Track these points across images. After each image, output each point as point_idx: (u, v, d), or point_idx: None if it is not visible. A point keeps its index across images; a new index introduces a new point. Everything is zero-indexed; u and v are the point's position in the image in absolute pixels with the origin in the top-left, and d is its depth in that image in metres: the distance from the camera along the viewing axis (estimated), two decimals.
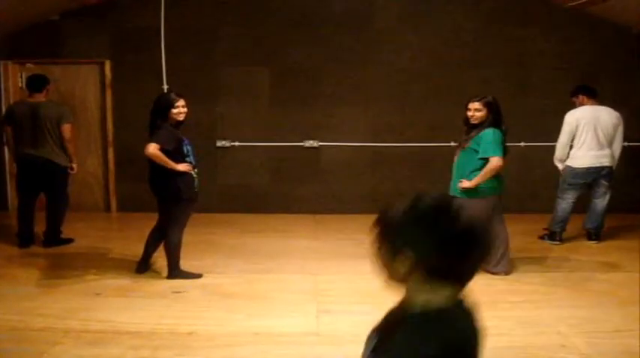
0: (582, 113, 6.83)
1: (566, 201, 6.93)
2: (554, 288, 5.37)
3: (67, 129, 6.57)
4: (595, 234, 6.99)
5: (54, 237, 6.70)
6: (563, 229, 7.01)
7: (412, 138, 8.25)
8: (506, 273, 5.72)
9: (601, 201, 6.93)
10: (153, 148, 5.24)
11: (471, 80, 7.89)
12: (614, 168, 6.93)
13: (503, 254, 5.72)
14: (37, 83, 6.62)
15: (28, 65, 8.43)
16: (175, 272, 5.59)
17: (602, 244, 6.92)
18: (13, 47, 8.35)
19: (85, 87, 8.56)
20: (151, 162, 5.37)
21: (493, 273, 5.69)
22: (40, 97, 6.56)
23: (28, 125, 6.47)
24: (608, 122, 6.80)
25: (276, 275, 5.74)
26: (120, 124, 8.48)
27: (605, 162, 6.81)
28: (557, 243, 6.95)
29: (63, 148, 6.60)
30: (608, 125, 6.80)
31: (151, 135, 5.35)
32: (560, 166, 6.99)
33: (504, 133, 5.53)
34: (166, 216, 5.55)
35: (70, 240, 6.81)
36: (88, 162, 8.62)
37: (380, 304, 5.03)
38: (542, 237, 7.11)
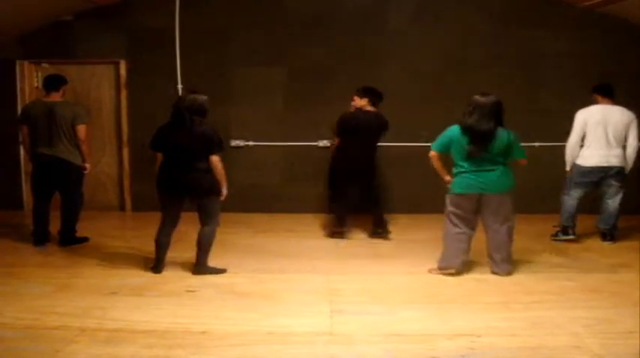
0: (591, 112, 6.81)
1: (572, 198, 6.94)
2: (567, 289, 5.34)
3: (81, 129, 6.58)
4: (609, 235, 6.95)
5: (69, 236, 6.75)
6: (574, 223, 7.00)
7: (426, 138, 8.24)
8: (509, 273, 5.73)
9: (613, 202, 6.89)
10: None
11: (484, 80, 7.87)
12: (627, 168, 6.89)
13: (508, 254, 5.77)
14: (53, 82, 6.64)
15: (44, 65, 8.50)
16: (206, 266, 5.74)
17: (616, 245, 6.88)
18: (28, 47, 8.43)
19: (100, 87, 8.62)
20: (199, 161, 5.51)
21: (495, 273, 5.72)
22: (56, 97, 6.59)
23: (43, 124, 6.49)
24: (619, 122, 6.75)
25: (290, 275, 5.75)
26: (135, 124, 8.52)
27: (614, 161, 6.76)
28: (572, 236, 6.95)
29: (77, 147, 6.63)
30: (619, 125, 6.75)
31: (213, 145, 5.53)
32: (568, 166, 6.96)
33: None
34: (205, 212, 5.68)
35: (85, 239, 6.86)
36: (102, 162, 8.69)
37: (392, 304, 5.07)
38: (555, 235, 7.09)
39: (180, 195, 5.66)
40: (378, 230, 7.13)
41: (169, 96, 8.26)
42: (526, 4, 8.29)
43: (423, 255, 6.10)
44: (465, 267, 5.86)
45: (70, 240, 6.74)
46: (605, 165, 6.77)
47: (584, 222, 7.15)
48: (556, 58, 8.31)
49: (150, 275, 5.66)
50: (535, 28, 8.29)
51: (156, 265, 5.77)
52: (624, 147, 6.82)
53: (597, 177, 6.83)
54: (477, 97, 5.52)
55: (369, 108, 7.03)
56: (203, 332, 4.34)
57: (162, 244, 5.77)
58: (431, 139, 5.88)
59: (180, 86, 8.28)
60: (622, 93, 7.09)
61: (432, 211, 7.44)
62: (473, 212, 5.67)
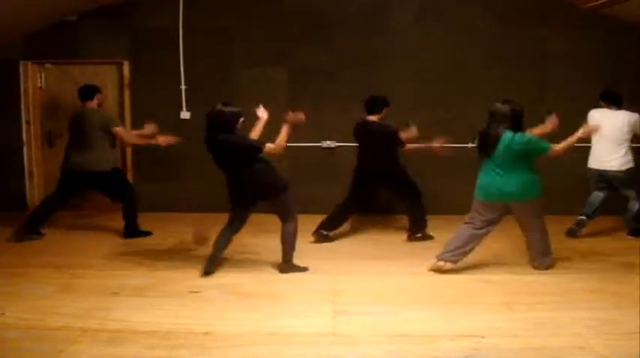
0: (591, 117, 6.95)
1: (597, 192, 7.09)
2: (570, 290, 5.33)
3: (119, 132, 6.86)
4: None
5: (131, 230, 7.06)
6: (585, 214, 7.10)
7: (430, 138, 8.23)
8: (547, 268, 5.87)
9: (632, 203, 6.98)
10: (269, 147, 5.58)
11: (486, 81, 7.87)
12: (624, 168, 6.89)
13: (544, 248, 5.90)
14: (86, 92, 6.95)
15: (47, 65, 8.51)
16: (290, 264, 5.80)
17: (621, 245, 6.87)
18: (32, 48, 8.43)
19: (103, 87, 8.58)
20: (248, 167, 5.53)
21: (535, 268, 5.87)
22: (91, 105, 6.88)
23: (75, 132, 6.83)
24: (618, 124, 6.78)
25: (293, 276, 5.75)
26: (138, 124, 8.49)
27: (609, 166, 6.86)
28: (572, 226, 7.13)
29: (107, 152, 6.86)
30: (613, 129, 6.79)
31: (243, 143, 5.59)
32: None
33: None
34: (279, 210, 5.79)
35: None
36: None
37: (396, 305, 5.05)
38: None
39: (245, 205, 5.78)
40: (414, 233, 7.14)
41: (172, 96, 8.32)
42: (529, 4, 8.27)
43: (427, 255, 6.08)
44: (467, 267, 5.87)
45: (132, 233, 7.05)
46: (601, 168, 6.90)
47: (589, 224, 7.15)
48: (559, 59, 8.28)
49: (152, 276, 5.66)
50: (538, 29, 8.26)
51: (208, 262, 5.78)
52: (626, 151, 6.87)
53: (601, 179, 6.88)
54: (496, 104, 5.65)
55: (372, 118, 7.02)
56: (206, 333, 4.34)
57: (218, 245, 5.81)
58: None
59: (183, 86, 8.29)
60: (624, 94, 7.08)
61: (438, 212, 7.46)
62: (496, 216, 5.75)
